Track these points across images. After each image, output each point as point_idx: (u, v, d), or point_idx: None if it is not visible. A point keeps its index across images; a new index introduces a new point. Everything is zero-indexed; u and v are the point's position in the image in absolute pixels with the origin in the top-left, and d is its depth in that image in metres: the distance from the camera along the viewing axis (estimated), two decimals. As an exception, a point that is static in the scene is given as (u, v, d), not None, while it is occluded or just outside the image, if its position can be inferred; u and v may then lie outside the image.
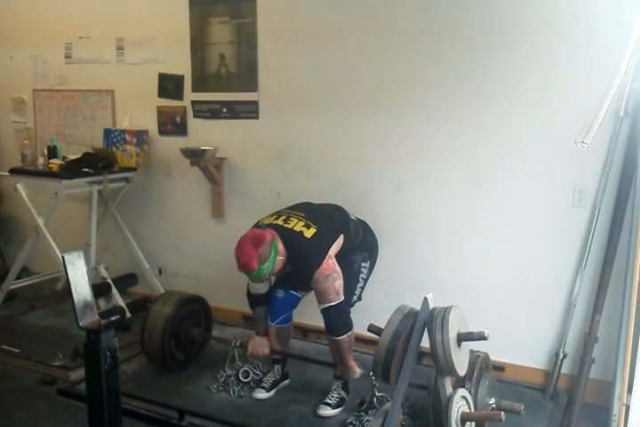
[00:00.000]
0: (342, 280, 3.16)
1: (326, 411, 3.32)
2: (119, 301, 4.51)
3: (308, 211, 3.32)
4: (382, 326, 2.59)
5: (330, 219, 3.32)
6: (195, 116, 4.53)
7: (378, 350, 2.55)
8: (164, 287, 4.69)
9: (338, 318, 3.19)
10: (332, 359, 3.45)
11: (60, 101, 5.13)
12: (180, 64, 4.48)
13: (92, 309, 2.19)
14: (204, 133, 4.50)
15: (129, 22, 4.65)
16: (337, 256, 3.22)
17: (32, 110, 5.28)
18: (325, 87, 4.02)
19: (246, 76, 4.27)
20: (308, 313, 3.71)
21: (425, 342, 2.50)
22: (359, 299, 3.44)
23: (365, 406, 3.22)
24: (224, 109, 4.40)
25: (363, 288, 3.44)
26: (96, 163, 4.45)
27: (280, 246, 3.05)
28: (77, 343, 3.36)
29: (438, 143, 3.74)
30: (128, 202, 4.82)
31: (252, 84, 4.25)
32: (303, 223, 3.19)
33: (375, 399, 3.19)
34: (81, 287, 2.16)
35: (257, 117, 4.29)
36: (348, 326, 3.20)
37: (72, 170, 4.38)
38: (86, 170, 4.40)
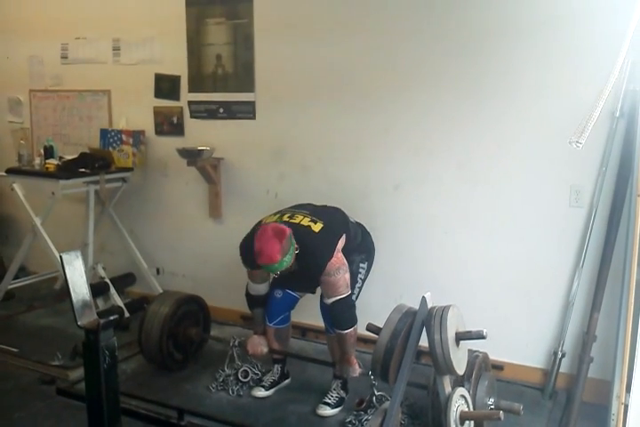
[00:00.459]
0: (349, 274, 3.17)
1: (326, 411, 3.33)
2: (117, 300, 4.51)
3: (310, 209, 3.34)
4: (381, 326, 2.59)
5: (333, 218, 3.32)
6: (191, 117, 4.53)
7: (376, 349, 2.55)
8: (162, 287, 4.69)
9: (346, 311, 3.19)
10: (331, 358, 3.46)
11: (56, 102, 5.12)
12: (177, 64, 4.48)
13: (91, 308, 2.19)
14: (200, 134, 4.50)
15: (125, 23, 4.65)
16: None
17: (28, 110, 5.28)
18: (322, 88, 4.02)
19: (243, 76, 4.27)
20: (307, 313, 3.72)
21: (423, 342, 2.50)
22: (356, 299, 3.44)
23: (365, 405, 3.23)
24: (221, 110, 4.40)
25: (361, 289, 3.44)
26: (93, 163, 4.45)
27: (295, 243, 3.04)
28: (76, 343, 3.36)
29: (435, 143, 3.75)
30: (125, 202, 4.81)
31: (248, 85, 4.26)
32: (309, 219, 3.19)
33: (374, 398, 3.20)
34: (79, 287, 2.16)
35: (254, 118, 4.29)
36: (354, 319, 3.21)
37: (69, 170, 4.38)
38: (83, 170, 4.40)
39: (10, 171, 4.54)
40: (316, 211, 3.32)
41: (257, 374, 3.64)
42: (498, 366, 3.60)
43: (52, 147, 4.64)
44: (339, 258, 3.12)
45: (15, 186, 4.45)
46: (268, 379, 3.58)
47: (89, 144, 4.83)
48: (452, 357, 2.43)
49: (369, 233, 3.55)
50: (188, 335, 3.78)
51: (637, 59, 3.12)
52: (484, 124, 3.61)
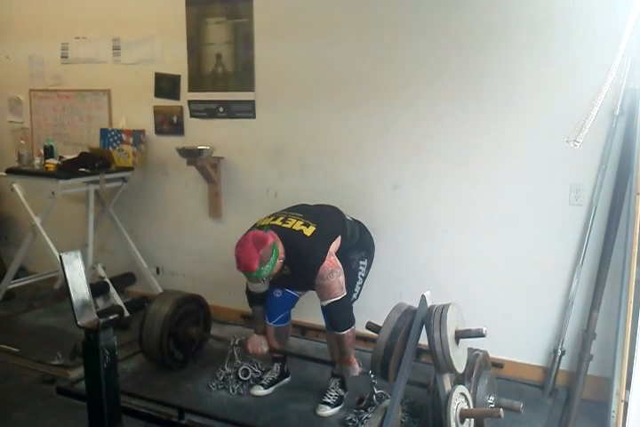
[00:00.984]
0: (344, 275, 3.17)
1: (326, 411, 3.33)
2: (117, 300, 4.52)
3: (305, 211, 3.33)
4: (380, 324, 2.59)
5: (327, 219, 3.32)
6: (191, 116, 4.53)
7: (376, 347, 2.55)
8: (162, 286, 4.69)
9: (343, 313, 3.20)
10: (330, 357, 3.46)
11: (56, 101, 5.12)
12: (177, 64, 4.48)
13: (91, 308, 2.20)
14: (200, 133, 4.51)
15: (125, 22, 4.65)
16: (335, 255, 3.22)
17: (28, 110, 5.28)
18: (322, 87, 4.02)
19: (243, 75, 4.27)
20: (307, 311, 3.73)
21: (423, 340, 2.50)
22: (357, 297, 3.44)
23: (365, 403, 3.23)
24: (221, 109, 4.40)
25: (362, 286, 3.45)
26: (93, 163, 4.45)
27: (280, 249, 3.05)
28: (76, 342, 3.36)
29: (435, 143, 3.75)
30: (125, 202, 4.82)
31: (248, 84, 4.26)
32: (302, 222, 3.19)
33: (374, 397, 3.20)
34: (79, 287, 2.17)
35: (254, 117, 4.29)
36: (351, 320, 3.22)
37: (69, 170, 4.38)
38: (83, 170, 4.41)
39: (10, 171, 4.54)
40: (310, 213, 3.32)
41: (257, 373, 3.64)
42: (498, 364, 3.60)
43: (51, 147, 4.64)
44: (332, 261, 3.13)
45: (15, 186, 4.44)
46: (268, 377, 3.58)
47: (89, 144, 4.83)
48: (451, 355, 2.43)
49: (367, 230, 3.55)
50: (189, 334, 3.78)
51: (637, 57, 3.12)
52: (484, 123, 3.61)
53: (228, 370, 3.63)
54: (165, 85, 4.58)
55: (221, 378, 3.62)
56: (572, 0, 3.28)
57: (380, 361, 2.53)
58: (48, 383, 3.59)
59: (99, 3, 4.73)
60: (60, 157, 4.58)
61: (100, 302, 4.47)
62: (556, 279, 3.55)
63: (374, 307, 3.26)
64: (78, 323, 2.14)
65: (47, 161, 4.51)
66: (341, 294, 3.15)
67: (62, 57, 4.98)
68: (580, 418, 3.22)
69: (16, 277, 4.76)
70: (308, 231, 3.15)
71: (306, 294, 3.52)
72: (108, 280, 4.56)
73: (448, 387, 2.56)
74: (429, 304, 2.53)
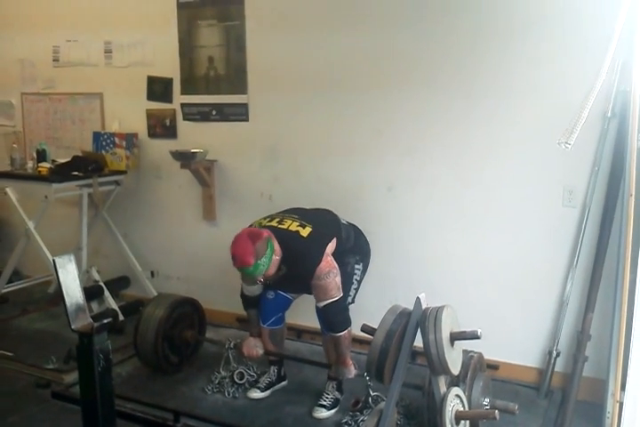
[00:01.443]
0: (340, 277, 3.17)
1: (322, 413, 3.33)
2: (112, 303, 4.50)
3: (300, 213, 3.33)
4: (375, 326, 2.60)
5: (323, 221, 3.32)
6: (184, 119, 4.53)
7: (371, 349, 2.55)
8: (157, 290, 4.68)
9: (339, 314, 3.19)
10: (326, 360, 3.46)
11: (48, 105, 5.11)
12: (169, 67, 4.48)
13: (85, 312, 2.19)
14: (193, 136, 4.50)
15: (117, 25, 4.64)
16: (331, 256, 3.23)
17: (20, 114, 5.26)
18: (315, 89, 4.02)
19: (235, 78, 4.27)
20: (302, 314, 3.73)
21: (418, 342, 2.51)
22: (352, 301, 3.44)
23: (360, 405, 3.22)
24: (214, 112, 4.40)
25: (357, 290, 3.44)
26: (86, 166, 4.45)
27: (276, 246, 3.04)
28: (70, 346, 3.35)
29: (428, 145, 3.76)
30: (119, 205, 4.81)
31: (241, 87, 4.26)
32: (298, 223, 3.19)
33: (370, 399, 3.19)
34: (72, 290, 2.15)
35: (247, 120, 4.29)
36: (348, 321, 3.21)
37: (62, 173, 4.38)
38: (76, 173, 4.41)
39: (2, 175, 4.54)
40: (305, 215, 3.32)
41: (252, 376, 3.64)
42: (493, 366, 3.61)
43: (44, 150, 4.63)
44: (328, 262, 3.12)
45: (8, 190, 4.43)
46: (264, 380, 3.58)
47: (82, 147, 4.81)
48: (446, 357, 2.43)
49: (362, 234, 3.54)
50: (184, 338, 3.78)
51: (628, 59, 3.13)
52: (477, 125, 3.61)
53: (223, 373, 3.63)
54: (158, 88, 4.58)
55: (217, 381, 3.61)
56: (563, 3, 3.29)
57: (375, 363, 2.54)
58: (42, 387, 3.58)
59: (90, 5, 4.72)
60: (53, 161, 4.57)
61: (95, 306, 4.46)
62: (551, 281, 3.55)
63: (369, 309, 3.26)
64: (72, 327, 2.13)
65: (40, 165, 4.50)
66: (338, 295, 3.15)
67: (54, 60, 4.97)
68: (575, 419, 3.23)
69: (10, 281, 4.76)
70: (305, 232, 3.15)
71: (300, 296, 3.52)
72: (102, 284, 4.54)
73: (443, 389, 2.56)
74: (424, 306, 2.54)
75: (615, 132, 3.28)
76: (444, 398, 2.50)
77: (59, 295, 2.15)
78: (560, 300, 3.53)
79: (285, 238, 3.10)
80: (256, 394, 3.52)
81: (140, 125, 4.68)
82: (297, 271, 3.14)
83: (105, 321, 2.18)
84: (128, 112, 4.74)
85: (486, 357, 3.19)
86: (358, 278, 3.44)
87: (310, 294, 3.33)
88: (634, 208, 3.02)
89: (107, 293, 4.52)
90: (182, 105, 4.50)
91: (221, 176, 4.45)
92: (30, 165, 4.59)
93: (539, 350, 3.64)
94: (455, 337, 2.51)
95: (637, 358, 2.89)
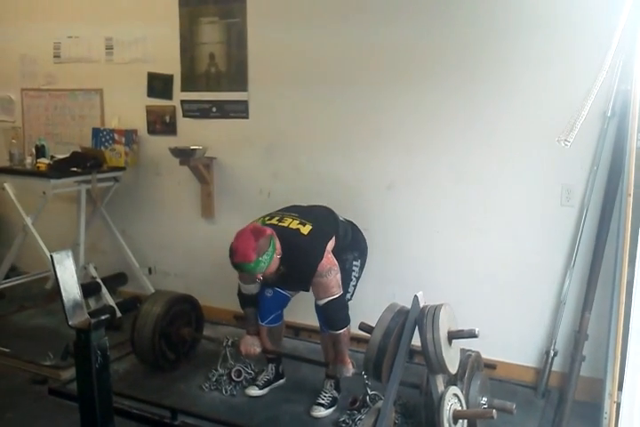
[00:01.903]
0: (341, 274, 3.18)
1: (320, 412, 3.33)
2: (109, 300, 4.49)
3: (299, 211, 3.33)
4: (373, 325, 2.59)
5: (322, 219, 3.31)
6: (184, 116, 4.52)
7: (369, 348, 2.55)
8: (155, 287, 4.67)
9: (340, 311, 3.19)
10: (324, 358, 3.46)
11: (48, 100, 5.10)
12: (170, 63, 4.47)
13: (82, 308, 2.18)
14: (193, 133, 4.50)
15: (118, 21, 4.63)
16: (331, 253, 3.22)
17: (20, 109, 5.25)
18: (316, 87, 4.01)
19: (236, 75, 4.26)
20: (301, 312, 3.73)
21: (416, 341, 2.51)
22: (350, 298, 3.44)
23: (358, 404, 3.23)
24: (214, 109, 4.39)
25: (355, 287, 3.44)
26: (84, 162, 4.44)
27: (278, 245, 3.03)
28: (67, 342, 3.35)
29: (427, 143, 3.76)
30: (117, 201, 4.80)
31: (241, 84, 4.25)
32: (298, 221, 3.19)
33: (368, 398, 3.20)
34: (70, 286, 2.15)
35: (247, 117, 4.28)
36: (348, 318, 3.21)
37: (60, 169, 4.37)
38: (75, 169, 4.39)
39: (1, 170, 4.53)
40: (304, 213, 3.32)
41: (250, 374, 3.64)
42: (490, 365, 3.61)
43: (43, 146, 4.62)
44: (329, 259, 3.12)
45: (6, 185, 4.42)
46: (262, 378, 3.58)
47: (81, 143, 4.80)
48: (444, 355, 2.43)
49: (360, 231, 3.54)
50: (181, 335, 3.77)
51: (628, 59, 3.13)
52: (477, 124, 3.61)
53: (220, 371, 3.63)
54: (158, 85, 4.57)
55: (214, 379, 3.61)
56: (565, 3, 3.29)
57: (372, 362, 2.53)
58: (39, 384, 3.58)
59: (92, 1, 4.71)
60: (52, 157, 4.55)
61: (92, 303, 4.45)
62: (548, 280, 3.56)
63: (367, 307, 3.26)
64: (70, 323, 2.13)
65: (39, 160, 4.49)
66: (338, 292, 3.15)
67: (55, 56, 4.96)
68: (572, 419, 3.23)
69: (7, 277, 4.75)
70: (305, 230, 3.15)
71: (298, 294, 3.51)
72: (99, 280, 4.53)
73: (441, 388, 2.56)
74: (422, 305, 2.53)
75: (615, 132, 3.28)
76: (441, 397, 2.50)
77: (56, 291, 2.15)
78: (557, 299, 3.53)
79: (286, 236, 3.09)
80: (254, 392, 3.52)
81: (139, 122, 4.68)
82: (297, 269, 3.13)
83: (102, 317, 2.18)
84: (128, 108, 4.73)
85: (484, 356, 3.19)
86: (357, 275, 3.45)
87: (307, 290, 3.33)
88: (632, 208, 3.02)
89: (104, 289, 4.51)
90: (182, 102, 4.49)
91: (220, 173, 4.45)
92: (29, 160, 4.58)
93: (536, 350, 3.64)
94: (453, 336, 2.51)
95: (634, 358, 2.89)
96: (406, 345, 2.49)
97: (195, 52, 4.38)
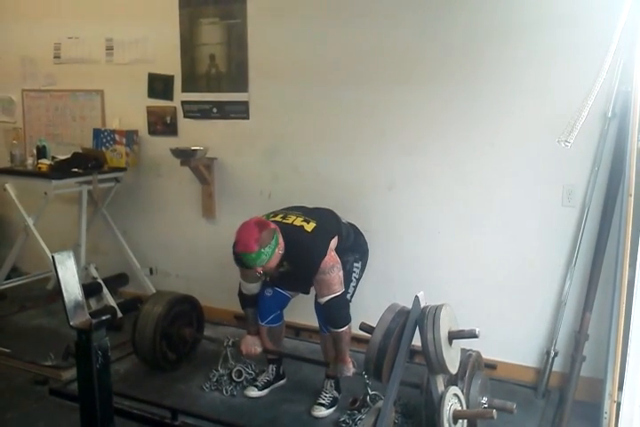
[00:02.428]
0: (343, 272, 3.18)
1: (321, 412, 3.33)
2: (110, 300, 4.50)
3: (303, 210, 3.34)
4: (374, 325, 2.59)
5: (325, 218, 3.32)
6: (185, 117, 4.53)
7: (370, 348, 2.55)
8: (156, 287, 4.68)
9: (342, 309, 3.19)
10: (324, 358, 3.46)
11: (49, 101, 5.11)
12: (170, 64, 4.48)
13: (83, 308, 2.18)
14: (194, 134, 4.50)
15: (118, 22, 4.64)
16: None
17: (21, 110, 5.26)
18: (317, 88, 4.02)
19: (236, 76, 4.27)
20: (301, 312, 3.73)
21: (416, 341, 2.51)
22: (350, 300, 3.43)
23: (358, 404, 3.22)
24: (214, 110, 4.40)
25: (355, 288, 3.44)
26: (85, 163, 4.44)
27: (281, 241, 3.04)
28: (69, 343, 3.35)
29: (429, 144, 3.76)
30: (118, 202, 4.80)
31: (242, 85, 4.26)
32: (302, 219, 3.20)
33: (368, 398, 3.20)
34: (71, 287, 2.15)
35: (247, 118, 4.29)
36: (349, 317, 3.21)
37: (61, 170, 4.38)
38: (76, 170, 4.40)
39: (2, 171, 4.54)
40: (308, 212, 3.33)
41: (250, 374, 3.64)
42: (491, 365, 3.61)
43: (44, 147, 4.63)
44: (332, 256, 3.13)
45: (7, 186, 4.43)
46: (262, 379, 3.58)
47: (82, 144, 4.81)
48: (444, 356, 2.43)
49: (361, 233, 3.54)
50: (182, 335, 3.78)
51: (629, 60, 3.13)
52: (477, 125, 3.61)
53: (221, 371, 3.63)
54: (159, 86, 4.58)
55: (215, 379, 3.61)
56: (566, 4, 3.29)
57: (373, 362, 2.53)
58: (40, 384, 3.58)
59: (92, 2, 4.72)
60: (53, 158, 4.57)
61: (93, 303, 4.46)
62: (549, 280, 3.55)
63: (368, 308, 3.25)
64: (71, 323, 2.13)
65: (40, 161, 4.51)
66: (340, 289, 3.15)
67: (55, 57, 4.97)
68: (572, 419, 3.23)
69: (8, 277, 4.76)
70: (309, 227, 3.16)
71: (298, 295, 3.52)
72: (100, 281, 4.54)
73: (441, 388, 2.56)
74: (423, 305, 2.53)
75: (615, 133, 3.28)
76: (441, 397, 2.50)
77: (57, 292, 2.15)
78: (558, 299, 3.53)
79: (290, 232, 3.10)
80: (254, 392, 3.52)
81: (140, 123, 4.68)
82: (301, 266, 3.13)
83: (103, 318, 2.18)
84: (128, 109, 4.74)
85: (484, 356, 3.19)
86: (357, 277, 3.45)
87: (307, 293, 3.33)
88: (633, 208, 3.02)
89: (105, 290, 4.52)
90: (183, 102, 4.50)
91: (221, 174, 4.45)
92: (30, 161, 4.59)
93: (536, 350, 3.64)
94: (453, 336, 2.51)
95: (635, 359, 2.90)
96: (407, 345, 2.49)
97: (195, 53, 4.39)
